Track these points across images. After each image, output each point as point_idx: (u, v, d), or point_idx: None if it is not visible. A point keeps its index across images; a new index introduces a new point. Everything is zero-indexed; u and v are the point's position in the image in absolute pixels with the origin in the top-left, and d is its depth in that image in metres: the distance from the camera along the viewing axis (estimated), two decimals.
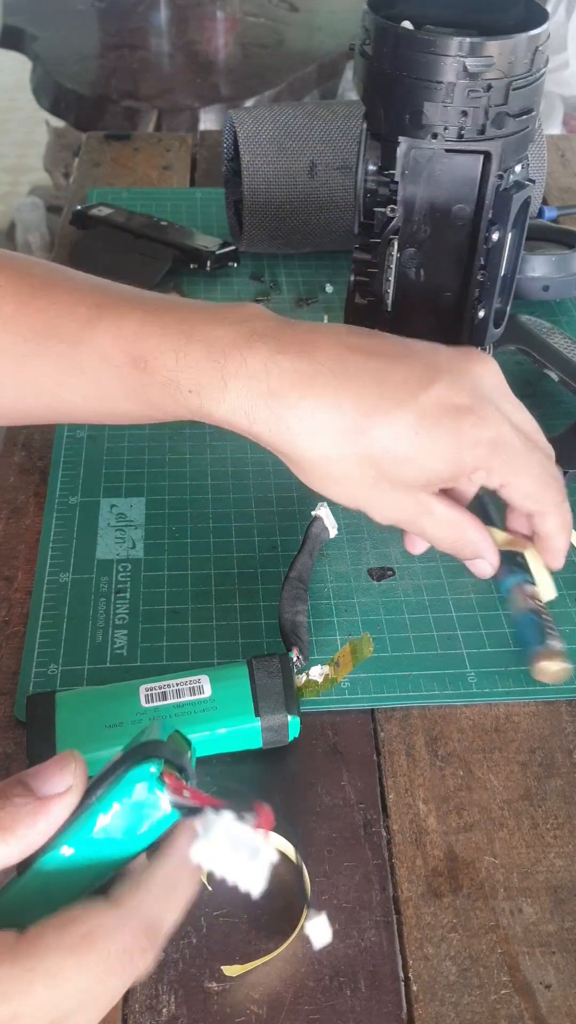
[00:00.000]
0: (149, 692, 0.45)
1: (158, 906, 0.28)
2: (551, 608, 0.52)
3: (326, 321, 0.75)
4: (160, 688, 0.45)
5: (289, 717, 0.45)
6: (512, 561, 0.54)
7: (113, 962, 0.26)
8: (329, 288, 0.79)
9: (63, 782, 0.28)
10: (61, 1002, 0.26)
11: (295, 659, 0.48)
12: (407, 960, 0.41)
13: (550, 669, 0.49)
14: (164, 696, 0.45)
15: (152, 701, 0.45)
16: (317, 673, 0.49)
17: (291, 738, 0.46)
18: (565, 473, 0.61)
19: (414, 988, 0.40)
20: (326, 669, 0.49)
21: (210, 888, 0.42)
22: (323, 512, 0.56)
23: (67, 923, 0.26)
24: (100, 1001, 0.27)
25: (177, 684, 0.46)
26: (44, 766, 0.28)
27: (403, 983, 0.40)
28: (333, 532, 0.56)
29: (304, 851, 0.43)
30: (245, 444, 0.66)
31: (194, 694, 0.45)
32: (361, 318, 0.57)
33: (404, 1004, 0.39)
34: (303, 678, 0.49)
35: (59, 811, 0.28)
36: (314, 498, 0.60)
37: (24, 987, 0.25)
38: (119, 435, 0.64)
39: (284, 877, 0.43)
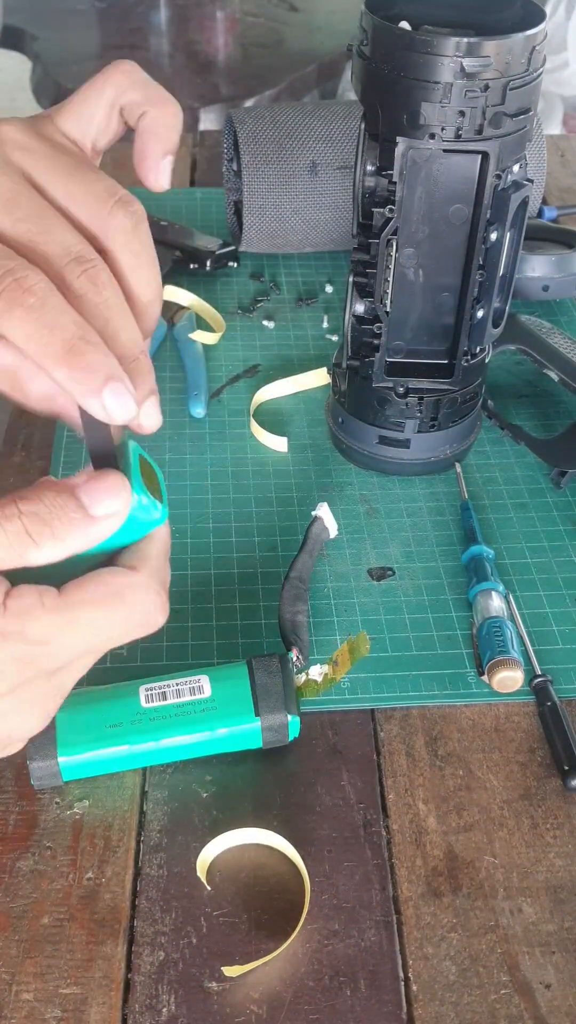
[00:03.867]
0: (149, 692, 0.45)
1: (167, 570, 0.32)
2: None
3: (326, 323, 0.75)
4: (160, 688, 0.46)
5: (289, 717, 0.45)
6: (479, 569, 0.54)
7: (138, 616, 0.31)
8: (329, 288, 0.79)
9: (113, 507, 0.29)
10: (90, 647, 0.31)
11: (295, 659, 0.48)
12: (407, 960, 0.41)
13: (505, 678, 0.49)
14: (164, 696, 0.45)
15: (152, 701, 0.45)
16: (316, 672, 0.49)
17: (291, 738, 0.46)
18: (564, 473, 0.61)
19: (414, 988, 0.40)
20: (325, 668, 0.49)
21: (209, 888, 0.43)
22: (323, 512, 0.56)
23: (100, 583, 0.30)
24: (112, 644, 0.31)
25: (177, 684, 0.46)
26: (97, 484, 0.29)
27: (403, 983, 0.40)
28: (333, 532, 0.56)
29: (304, 851, 0.43)
30: (245, 444, 0.66)
31: (194, 694, 0.45)
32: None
33: (404, 1004, 0.39)
34: (303, 678, 0.49)
35: (103, 532, 0.30)
36: (314, 498, 0.60)
37: (71, 632, 0.30)
38: None
39: (284, 877, 0.43)
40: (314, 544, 0.55)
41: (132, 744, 0.44)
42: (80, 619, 0.30)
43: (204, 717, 0.45)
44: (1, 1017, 0.38)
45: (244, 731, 0.45)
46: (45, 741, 0.44)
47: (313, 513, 0.56)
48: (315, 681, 0.49)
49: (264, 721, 0.45)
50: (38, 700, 0.31)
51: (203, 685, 0.46)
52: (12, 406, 0.70)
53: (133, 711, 0.45)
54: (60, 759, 0.44)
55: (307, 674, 0.49)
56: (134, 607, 0.31)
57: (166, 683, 0.46)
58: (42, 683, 0.31)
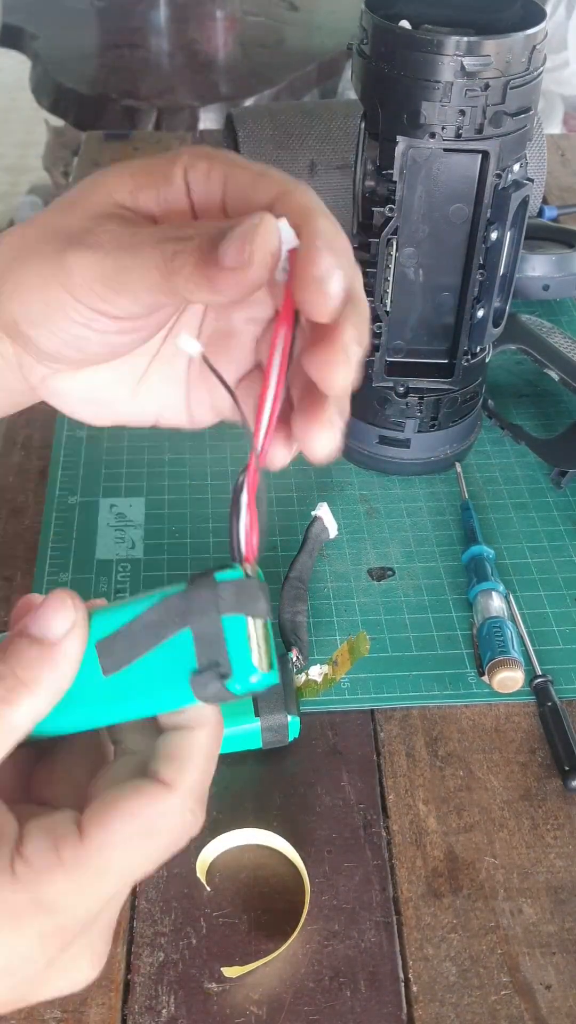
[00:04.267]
0: None
1: (206, 783, 0.27)
2: None
3: None
4: None
5: (289, 717, 0.45)
6: (479, 569, 0.54)
7: (171, 843, 0.27)
8: None
9: (65, 619, 0.26)
10: (119, 889, 0.27)
11: (294, 659, 0.48)
12: (407, 961, 0.41)
13: (506, 678, 0.49)
14: None
15: None
16: (316, 673, 0.49)
17: (291, 738, 0.46)
18: (564, 473, 0.61)
19: (414, 989, 0.40)
20: (325, 668, 0.49)
21: (209, 889, 0.42)
22: (323, 512, 0.56)
23: (128, 816, 0.26)
24: (140, 877, 0.27)
25: None
26: (38, 612, 0.27)
27: (403, 984, 0.40)
28: (333, 532, 0.56)
29: (304, 851, 0.43)
30: (245, 444, 0.66)
31: None
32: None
33: (404, 1005, 0.39)
34: (303, 678, 0.49)
35: (73, 649, 0.26)
36: (314, 498, 0.60)
37: (98, 886, 0.26)
38: (119, 435, 0.64)
39: (284, 878, 0.43)
40: (314, 544, 0.55)
41: None
42: (108, 868, 0.25)
43: None
44: (1, 1018, 0.38)
45: (244, 731, 0.45)
46: None
47: (313, 513, 0.56)
48: (315, 681, 0.48)
49: (264, 721, 0.45)
50: (83, 954, 0.27)
51: None
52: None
53: None
54: None
55: (307, 674, 0.49)
56: (165, 836, 0.26)
57: None
58: (80, 940, 0.26)
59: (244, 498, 0.26)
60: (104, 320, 0.29)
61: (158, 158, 0.30)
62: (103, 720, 0.27)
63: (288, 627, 0.50)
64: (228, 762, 0.47)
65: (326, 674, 0.49)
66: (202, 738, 0.27)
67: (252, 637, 0.25)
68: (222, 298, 0.26)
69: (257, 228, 0.25)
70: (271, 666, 0.26)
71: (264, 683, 0.25)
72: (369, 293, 0.56)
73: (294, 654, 0.48)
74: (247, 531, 0.26)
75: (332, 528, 0.56)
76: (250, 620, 0.25)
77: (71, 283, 0.28)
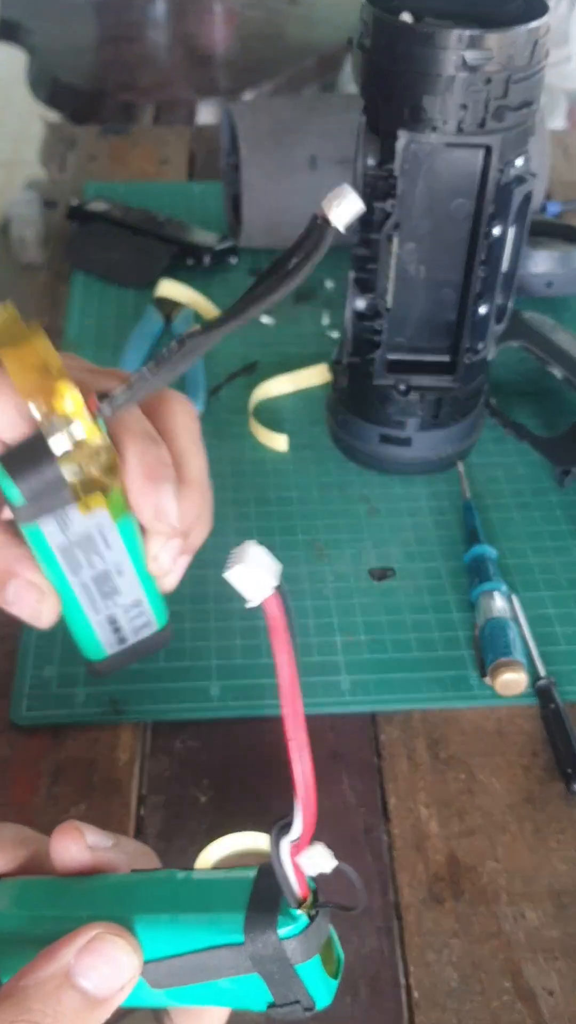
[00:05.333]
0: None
1: None
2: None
3: (326, 319, 0.75)
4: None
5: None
6: (480, 570, 0.54)
7: None
8: (329, 284, 0.78)
9: (122, 974, 0.23)
10: None
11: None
12: (408, 966, 0.40)
13: (508, 680, 0.48)
14: None
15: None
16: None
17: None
18: (568, 472, 0.61)
19: (415, 995, 0.39)
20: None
21: None
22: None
23: None
24: None
25: None
26: (91, 956, 0.23)
27: (404, 990, 0.40)
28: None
29: None
30: (244, 443, 0.65)
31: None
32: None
33: (405, 1011, 0.39)
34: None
35: (121, 999, 0.24)
36: (314, 498, 0.60)
37: None
38: None
39: None
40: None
41: None
42: None
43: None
44: None
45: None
46: None
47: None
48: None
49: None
50: None
51: None
52: None
53: None
54: None
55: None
56: None
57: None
58: None
59: (284, 852, 0.24)
60: None
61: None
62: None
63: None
64: (226, 766, 0.46)
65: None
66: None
67: (328, 962, 0.24)
68: None
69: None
70: (338, 972, 0.25)
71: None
72: (370, 289, 0.55)
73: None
74: (295, 876, 0.24)
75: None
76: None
77: None
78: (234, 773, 0.46)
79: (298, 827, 0.24)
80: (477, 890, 0.43)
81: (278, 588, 0.23)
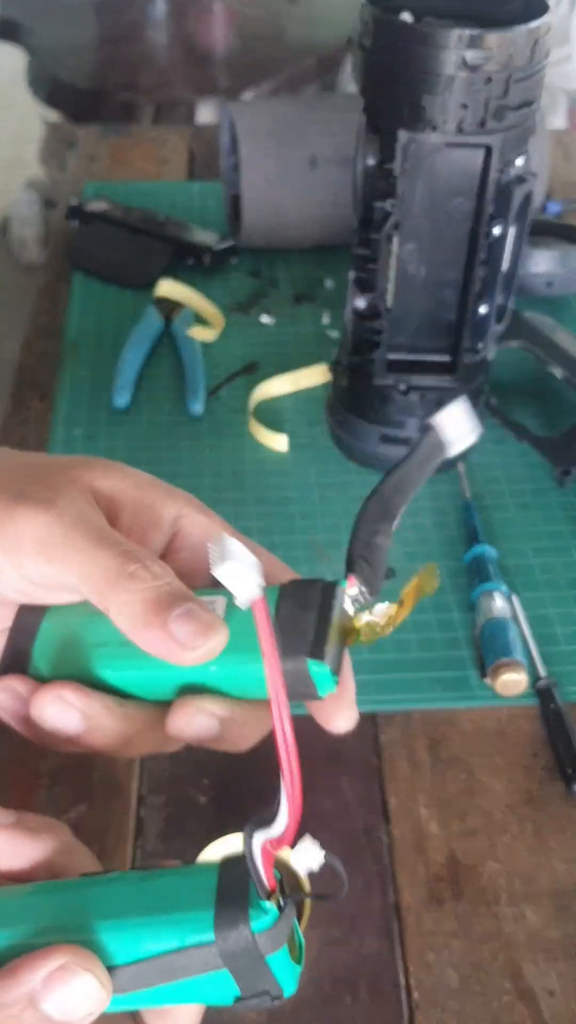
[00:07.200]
0: None
1: None
2: None
3: (326, 319, 0.74)
4: None
5: (308, 662, 0.29)
6: (480, 570, 0.54)
7: None
8: (329, 284, 0.78)
9: (89, 1005, 0.23)
10: None
11: (357, 593, 0.33)
12: (408, 967, 0.40)
13: (508, 680, 0.48)
14: None
15: None
16: (381, 612, 0.33)
17: (322, 693, 0.31)
18: (568, 472, 0.61)
19: (415, 995, 0.39)
20: (390, 609, 0.33)
21: None
22: (446, 417, 0.33)
23: None
24: None
25: None
26: (55, 983, 0.23)
27: (404, 990, 0.39)
28: (459, 445, 0.34)
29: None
30: (244, 443, 0.65)
31: None
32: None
33: (405, 1011, 0.39)
34: (364, 616, 0.33)
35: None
36: (314, 498, 0.60)
37: None
38: (116, 435, 0.64)
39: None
40: (424, 458, 0.34)
41: None
42: None
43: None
44: None
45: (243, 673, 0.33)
46: (20, 649, 0.31)
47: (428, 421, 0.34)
48: (375, 624, 0.33)
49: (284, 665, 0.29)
50: None
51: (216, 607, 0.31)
52: (8, 404, 0.70)
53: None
54: None
55: (370, 611, 0.33)
56: None
57: None
58: None
59: (256, 845, 0.24)
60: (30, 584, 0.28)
61: (158, 486, 0.32)
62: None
63: (359, 549, 0.34)
64: (226, 765, 0.46)
65: (391, 615, 0.34)
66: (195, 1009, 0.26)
67: (292, 949, 0.24)
68: (145, 648, 0.26)
69: (217, 629, 0.26)
70: (300, 958, 0.25)
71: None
72: (370, 289, 0.55)
73: (350, 583, 0.32)
74: (264, 866, 0.24)
75: (459, 438, 0.34)
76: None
77: (17, 542, 0.27)
78: (233, 773, 0.46)
79: (282, 822, 0.24)
80: (477, 890, 0.42)
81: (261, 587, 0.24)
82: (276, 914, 0.24)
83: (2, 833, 0.27)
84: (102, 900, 0.25)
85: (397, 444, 0.60)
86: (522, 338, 0.65)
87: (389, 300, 0.55)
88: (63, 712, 0.28)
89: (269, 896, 0.24)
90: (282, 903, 0.24)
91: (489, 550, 0.55)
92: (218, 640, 0.27)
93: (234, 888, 0.24)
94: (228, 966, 0.24)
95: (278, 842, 0.25)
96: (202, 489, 0.60)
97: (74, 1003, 0.23)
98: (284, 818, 0.24)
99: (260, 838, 0.24)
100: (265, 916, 0.24)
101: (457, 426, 0.34)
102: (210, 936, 0.24)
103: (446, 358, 0.58)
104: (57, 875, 0.27)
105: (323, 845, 0.44)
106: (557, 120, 1.71)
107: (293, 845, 0.26)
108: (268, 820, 0.24)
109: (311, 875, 0.26)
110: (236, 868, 0.25)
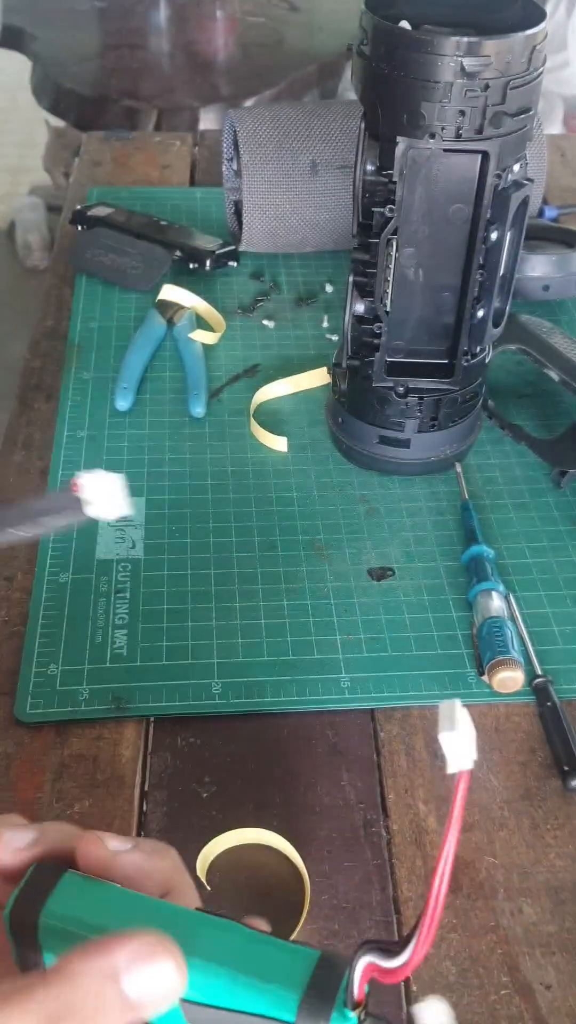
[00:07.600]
0: None
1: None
2: None
3: (326, 322, 0.75)
4: None
5: None
6: (478, 569, 0.54)
7: None
8: (329, 288, 0.79)
9: (166, 994, 0.24)
10: None
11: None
12: None
13: (506, 678, 0.49)
14: None
15: None
16: None
17: None
18: (564, 473, 0.61)
19: (413, 988, 0.40)
20: None
21: (209, 888, 0.43)
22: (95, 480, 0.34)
23: None
24: None
25: None
26: (138, 962, 0.24)
27: (403, 983, 0.40)
28: (100, 512, 0.34)
29: (304, 851, 0.43)
30: (245, 444, 0.66)
31: None
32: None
33: (403, 1004, 0.39)
34: None
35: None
36: (314, 498, 0.60)
37: None
38: (119, 435, 0.64)
39: (284, 877, 0.43)
40: (49, 508, 0.34)
41: None
42: None
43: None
44: None
45: None
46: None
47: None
48: None
49: None
50: None
51: None
52: (15, 406, 0.70)
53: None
54: None
55: None
56: None
57: None
58: None
59: (361, 961, 0.25)
60: None
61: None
62: None
63: None
64: (228, 762, 0.47)
65: None
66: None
67: None
68: None
69: None
70: None
71: None
72: (369, 293, 0.56)
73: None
74: (361, 978, 0.25)
75: (101, 505, 0.34)
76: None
77: None
78: (235, 769, 0.47)
79: (405, 958, 0.25)
80: (475, 885, 0.43)
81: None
82: (355, 1023, 0.25)
83: (135, 856, 0.28)
84: (212, 940, 0.26)
85: (396, 445, 0.60)
86: (519, 341, 0.66)
87: (388, 304, 0.55)
88: None
89: (356, 1007, 0.25)
90: (362, 1017, 0.25)
91: (487, 550, 0.56)
92: None
93: (327, 982, 0.25)
94: None
95: (392, 973, 0.25)
96: (204, 489, 0.61)
97: (152, 986, 0.24)
98: (408, 955, 0.25)
99: (368, 957, 0.25)
100: (344, 1022, 0.25)
101: (102, 493, 0.33)
102: (291, 1017, 0.25)
103: (444, 361, 0.58)
104: (169, 891, 0.28)
105: (324, 839, 0.45)
106: (554, 125, 1.72)
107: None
108: (386, 949, 0.25)
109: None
110: (335, 966, 0.25)
